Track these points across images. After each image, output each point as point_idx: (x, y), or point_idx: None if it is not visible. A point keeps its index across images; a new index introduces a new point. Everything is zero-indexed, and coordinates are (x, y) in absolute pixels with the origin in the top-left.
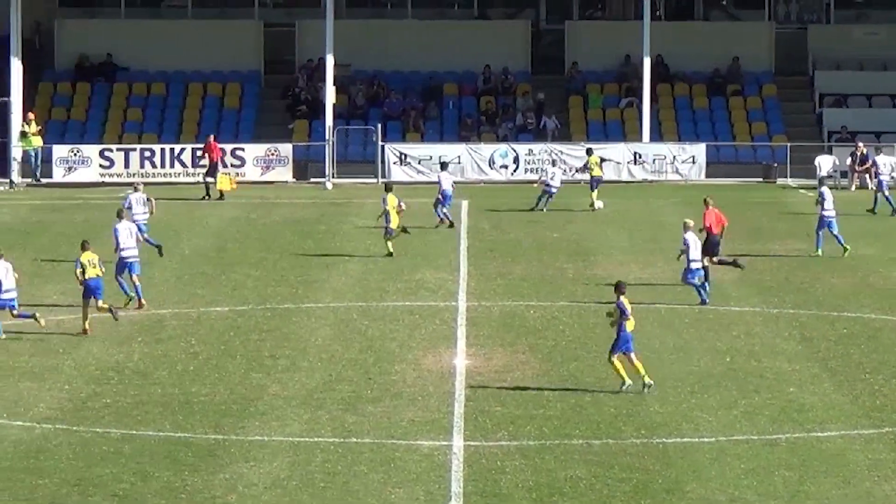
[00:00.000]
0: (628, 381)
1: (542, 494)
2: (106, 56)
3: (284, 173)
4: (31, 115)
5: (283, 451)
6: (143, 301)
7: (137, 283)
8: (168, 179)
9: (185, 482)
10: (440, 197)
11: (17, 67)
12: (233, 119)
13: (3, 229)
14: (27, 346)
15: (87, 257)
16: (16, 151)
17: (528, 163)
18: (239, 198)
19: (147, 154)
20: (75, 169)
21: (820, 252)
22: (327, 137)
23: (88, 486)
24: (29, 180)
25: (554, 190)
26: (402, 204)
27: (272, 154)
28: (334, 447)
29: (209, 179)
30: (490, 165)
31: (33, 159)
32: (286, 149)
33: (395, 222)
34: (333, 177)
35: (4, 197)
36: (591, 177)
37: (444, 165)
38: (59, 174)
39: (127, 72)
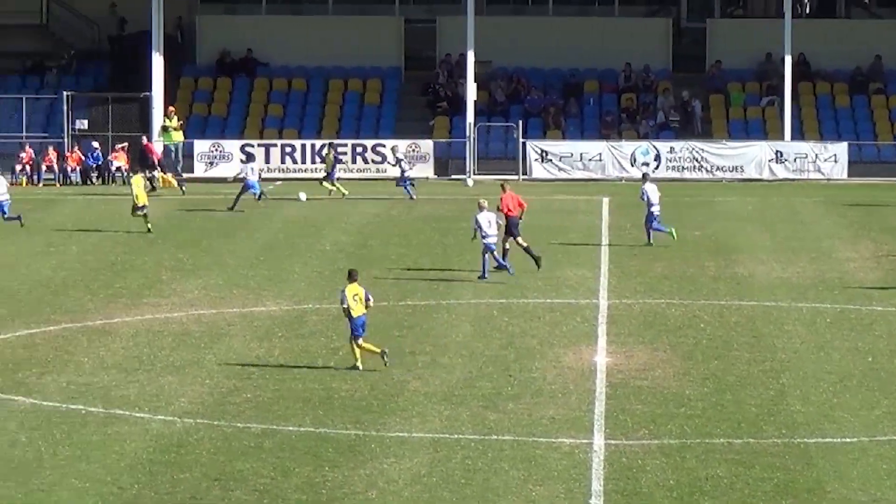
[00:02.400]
0: None
1: (683, 493)
2: (246, 51)
3: (425, 169)
4: (172, 110)
5: (423, 448)
6: None
7: None
8: (309, 175)
9: (325, 478)
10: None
11: (158, 62)
12: (373, 115)
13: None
14: (169, 340)
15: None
16: (157, 146)
17: (670, 160)
18: (380, 194)
19: (288, 150)
20: (216, 164)
21: None
22: (468, 134)
23: (229, 481)
24: (171, 174)
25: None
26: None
27: (413, 150)
28: (475, 444)
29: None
30: (631, 163)
31: (174, 154)
32: (427, 145)
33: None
34: (474, 173)
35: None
36: None
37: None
38: (199, 169)
39: (267, 67)
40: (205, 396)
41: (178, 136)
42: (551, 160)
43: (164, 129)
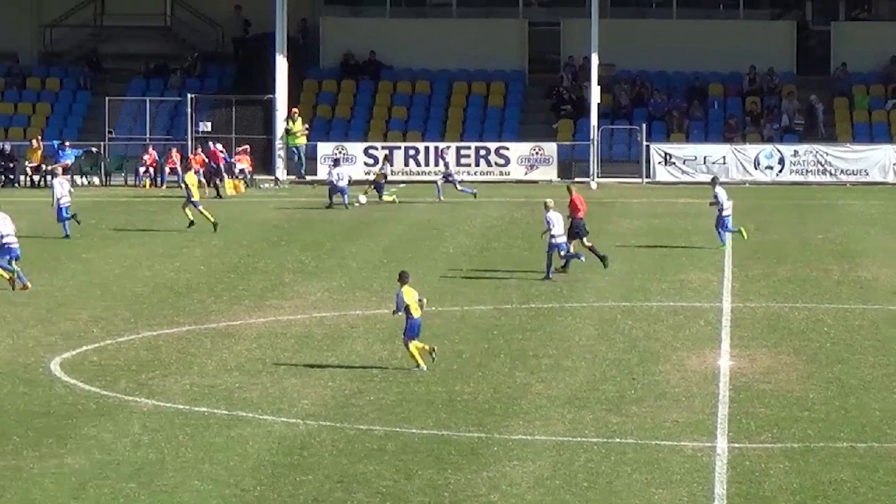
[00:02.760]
0: None
1: (806, 497)
2: (370, 54)
3: (548, 172)
4: (296, 113)
5: (546, 451)
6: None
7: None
8: (432, 178)
9: (447, 480)
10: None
11: (282, 65)
12: (497, 118)
13: (269, 226)
14: (291, 342)
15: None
16: (281, 148)
17: (794, 164)
18: (504, 196)
19: (411, 152)
20: (340, 166)
21: None
22: (592, 137)
23: (352, 483)
24: (294, 177)
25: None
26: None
27: (536, 153)
28: (597, 447)
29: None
30: (755, 166)
31: (297, 156)
32: (550, 148)
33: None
34: (597, 176)
35: (270, 194)
36: None
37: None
38: (323, 171)
39: (391, 70)
40: (327, 399)
41: (301, 139)
42: (674, 163)
43: (288, 131)
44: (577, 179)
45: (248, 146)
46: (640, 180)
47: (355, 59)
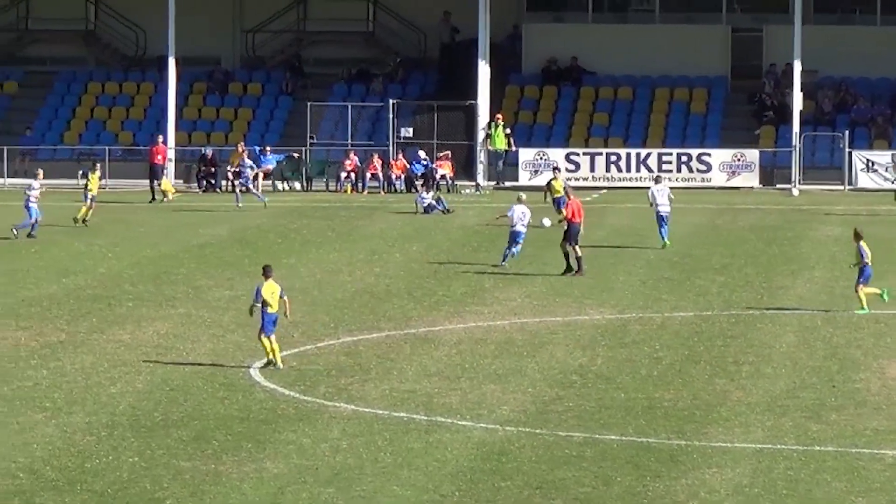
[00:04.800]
0: None
1: None
2: (572, 60)
3: (750, 179)
4: (499, 118)
5: (745, 458)
6: None
7: None
8: (634, 184)
9: (646, 487)
10: None
11: (484, 70)
12: (699, 124)
13: (470, 231)
14: (491, 348)
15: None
16: (483, 154)
17: None
18: (705, 203)
19: (613, 158)
20: (541, 172)
21: None
22: (794, 143)
23: (550, 490)
24: (495, 183)
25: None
26: None
27: (738, 159)
28: (797, 455)
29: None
30: None
31: (500, 162)
32: (752, 154)
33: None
34: (800, 183)
35: (471, 199)
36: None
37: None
38: (524, 177)
39: (594, 76)
40: (527, 405)
41: (502, 144)
42: (877, 170)
43: (489, 136)
44: (779, 186)
45: (449, 152)
46: (841, 187)
47: (557, 64)
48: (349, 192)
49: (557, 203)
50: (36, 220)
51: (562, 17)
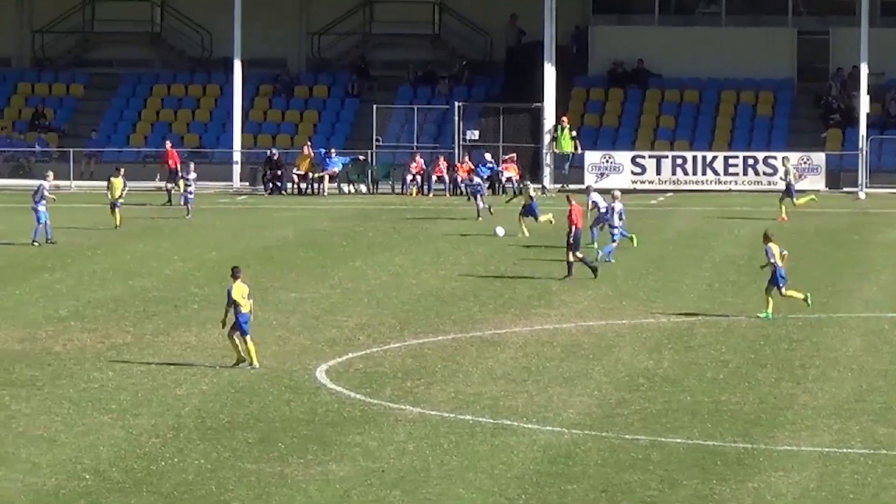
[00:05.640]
0: None
1: None
2: (638, 62)
3: (817, 182)
4: (564, 121)
5: (812, 462)
6: None
7: None
8: (699, 187)
9: (712, 491)
10: None
11: (550, 73)
12: (765, 127)
13: (535, 235)
14: (557, 351)
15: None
16: (549, 156)
17: None
18: (771, 206)
19: (679, 161)
20: (607, 175)
21: None
22: (860, 146)
23: (616, 493)
24: (560, 185)
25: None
26: None
27: (804, 162)
28: (864, 458)
29: (170, 186)
30: None
31: (565, 164)
32: (819, 157)
33: None
34: (866, 186)
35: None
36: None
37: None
38: (590, 180)
39: (659, 78)
40: (593, 408)
41: (568, 147)
42: None
43: (554, 139)
44: (845, 189)
45: (514, 154)
46: None
47: (623, 67)
48: (415, 194)
49: (530, 210)
50: (44, 224)
51: (628, 20)
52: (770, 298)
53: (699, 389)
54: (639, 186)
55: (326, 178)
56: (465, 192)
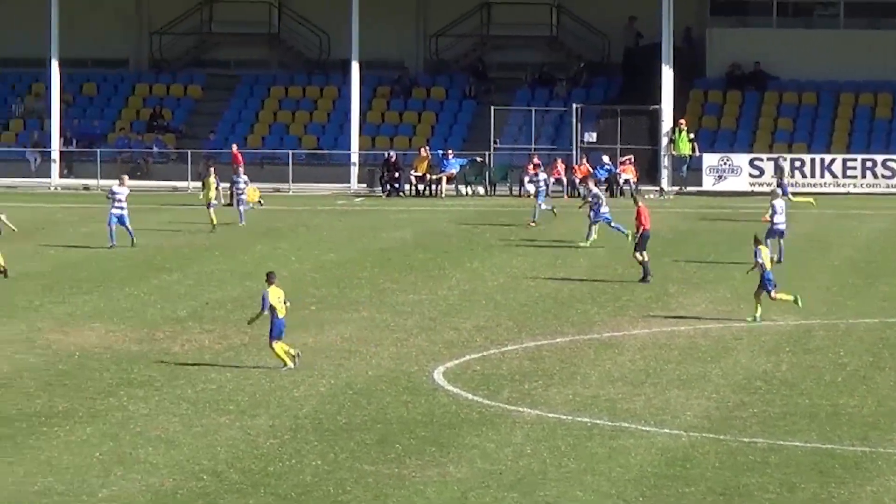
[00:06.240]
0: None
1: None
2: (755, 65)
3: None
4: (682, 123)
5: None
6: None
7: None
8: (818, 190)
9: (831, 494)
10: None
11: (668, 75)
12: (884, 129)
13: (654, 237)
14: (675, 353)
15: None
16: (666, 158)
17: None
18: (891, 209)
19: (797, 164)
20: (725, 178)
21: None
22: None
23: (734, 496)
24: (678, 188)
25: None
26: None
27: None
28: None
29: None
30: None
31: (683, 167)
32: None
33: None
34: None
35: (655, 205)
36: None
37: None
38: (708, 182)
39: (777, 81)
40: (711, 410)
41: (686, 149)
42: None
43: (672, 141)
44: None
45: (632, 156)
46: None
47: (741, 69)
48: (533, 196)
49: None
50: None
51: (745, 22)
52: (759, 302)
53: (817, 392)
54: (756, 189)
55: (444, 179)
56: (526, 191)
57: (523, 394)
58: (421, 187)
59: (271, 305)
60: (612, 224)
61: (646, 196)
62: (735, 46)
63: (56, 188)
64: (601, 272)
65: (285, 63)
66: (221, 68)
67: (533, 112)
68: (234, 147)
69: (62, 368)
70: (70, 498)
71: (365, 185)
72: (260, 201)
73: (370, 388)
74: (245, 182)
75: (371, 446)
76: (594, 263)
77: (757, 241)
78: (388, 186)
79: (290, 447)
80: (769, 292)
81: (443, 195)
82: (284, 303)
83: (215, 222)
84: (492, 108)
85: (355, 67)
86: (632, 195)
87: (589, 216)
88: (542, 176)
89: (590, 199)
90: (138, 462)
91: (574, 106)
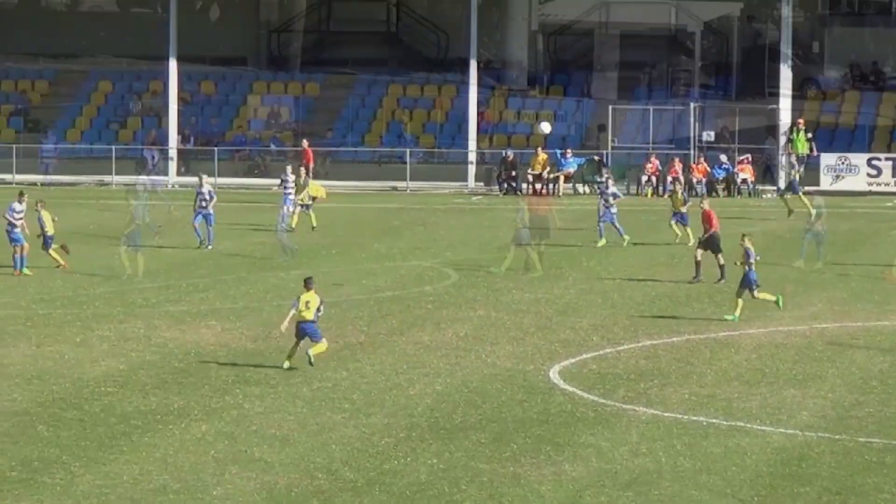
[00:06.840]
0: None
1: None
2: (873, 64)
3: None
4: (800, 122)
5: None
6: None
7: None
8: None
9: None
10: None
11: (786, 75)
12: None
13: (771, 237)
14: (791, 353)
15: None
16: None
17: None
18: None
19: None
20: (843, 177)
21: None
22: None
23: (849, 496)
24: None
25: None
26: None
27: None
28: None
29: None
30: None
31: (801, 166)
32: None
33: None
34: None
35: (772, 204)
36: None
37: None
38: (825, 182)
39: (895, 80)
40: (827, 410)
41: (804, 148)
42: None
43: (790, 140)
44: None
45: (749, 156)
46: None
47: (860, 68)
48: (650, 195)
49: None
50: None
51: (863, 22)
52: (740, 301)
53: None
54: (874, 189)
55: (561, 178)
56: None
57: (639, 393)
58: (538, 186)
59: (300, 308)
60: (616, 224)
61: (763, 196)
62: (854, 45)
63: (174, 186)
64: (718, 272)
65: (403, 62)
66: (339, 67)
67: (650, 110)
68: (305, 143)
69: (178, 366)
70: (185, 496)
71: (482, 183)
72: (316, 199)
73: (486, 387)
74: (304, 179)
75: (486, 445)
76: (711, 262)
77: (744, 237)
78: (506, 185)
79: (405, 446)
80: (752, 291)
81: (560, 194)
82: (318, 310)
83: (314, 224)
84: (610, 106)
85: (473, 66)
86: (700, 199)
87: (599, 214)
88: (612, 189)
89: (609, 196)
90: (253, 460)
91: (692, 105)
